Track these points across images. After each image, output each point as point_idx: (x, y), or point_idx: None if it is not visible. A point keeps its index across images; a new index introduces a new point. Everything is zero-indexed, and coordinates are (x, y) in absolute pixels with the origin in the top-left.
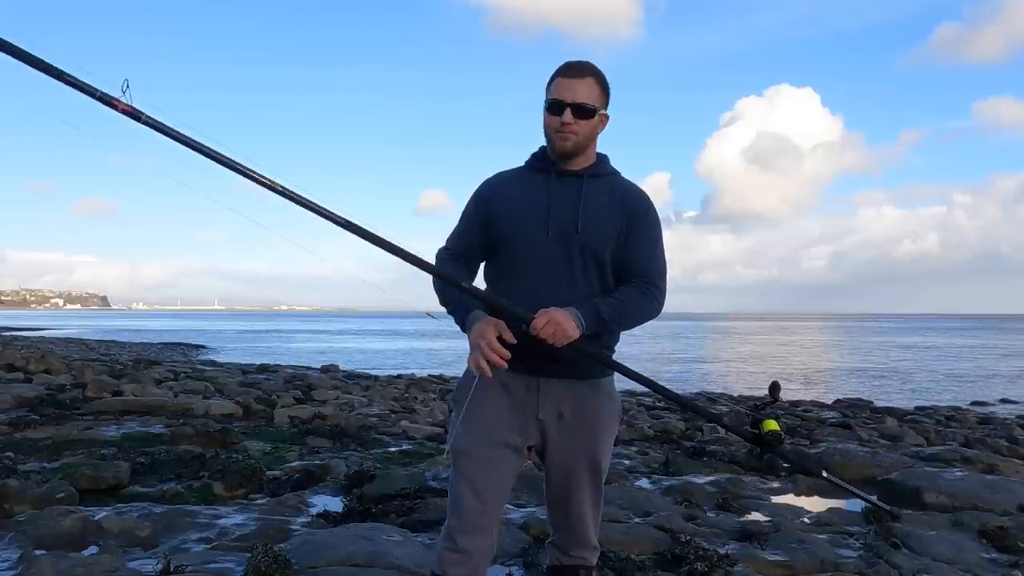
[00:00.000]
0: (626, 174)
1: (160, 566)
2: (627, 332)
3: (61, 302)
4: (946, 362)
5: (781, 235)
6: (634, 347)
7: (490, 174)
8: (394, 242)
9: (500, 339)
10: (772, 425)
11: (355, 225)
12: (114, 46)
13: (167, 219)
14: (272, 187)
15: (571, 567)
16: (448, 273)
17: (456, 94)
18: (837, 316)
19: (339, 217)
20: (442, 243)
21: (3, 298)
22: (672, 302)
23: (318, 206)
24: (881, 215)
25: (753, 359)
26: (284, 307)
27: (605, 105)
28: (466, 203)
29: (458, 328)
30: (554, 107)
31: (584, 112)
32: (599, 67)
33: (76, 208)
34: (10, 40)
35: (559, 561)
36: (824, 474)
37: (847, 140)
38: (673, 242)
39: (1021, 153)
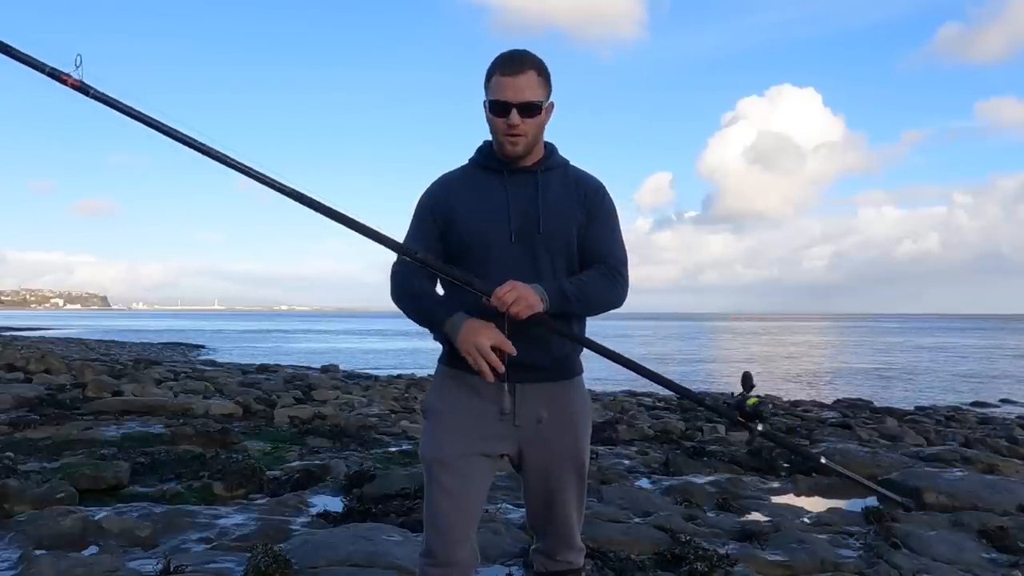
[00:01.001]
0: (629, 173)
1: (160, 566)
2: (626, 333)
3: (61, 302)
4: (969, 363)
5: (782, 235)
6: (644, 348)
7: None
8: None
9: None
10: (754, 400)
11: (266, 177)
12: (116, 47)
13: (166, 218)
14: (209, 152)
15: (559, 573)
16: (401, 245)
17: (458, 94)
18: (839, 316)
19: (269, 178)
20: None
21: (3, 298)
22: (672, 302)
23: (251, 169)
24: (882, 215)
25: (763, 359)
26: (284, 307)
27: (549, 95)
28: (416, 209)
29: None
30: (498, 108)
31: (531, 110)
32: (537, 55)
33: (76, 208)
34: None
35: (545, 568)
36: (823, 460)
37: (849, 140)
38: (674, 242)
39: (1022, 153)
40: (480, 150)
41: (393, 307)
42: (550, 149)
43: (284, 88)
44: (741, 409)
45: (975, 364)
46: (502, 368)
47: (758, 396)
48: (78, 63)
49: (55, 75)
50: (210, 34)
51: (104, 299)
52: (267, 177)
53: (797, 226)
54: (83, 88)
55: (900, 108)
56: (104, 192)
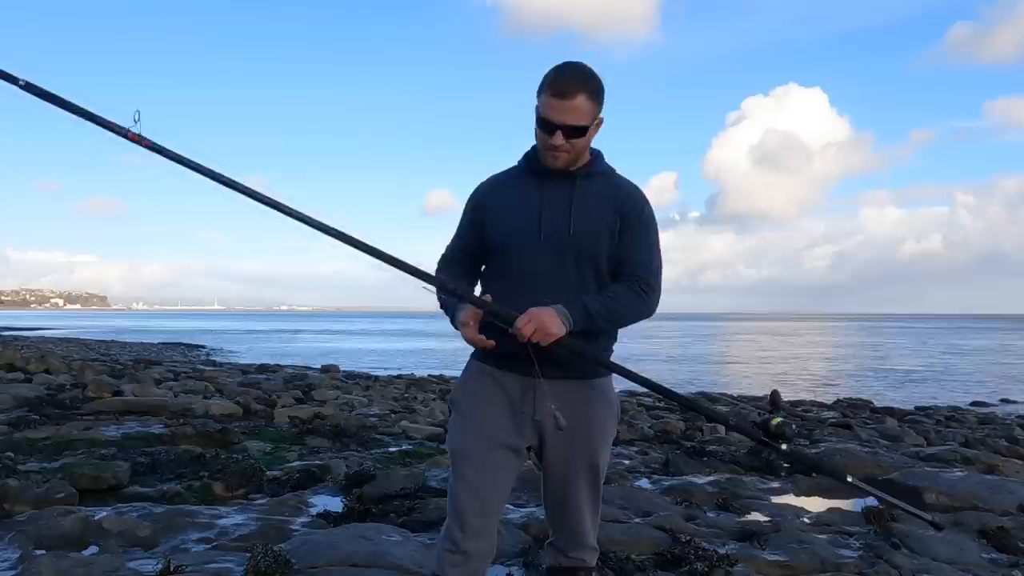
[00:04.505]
0: (634, 174)
1: (160, 566)
2: (628, 331)
3: (61, 302)
4: (970, 363)
5: (786, 235)
6: (679, 350)
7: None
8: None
9: (494, 335)
10: (778, 420)
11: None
12: (122, 48)
13: (167, 218)
14: (265, 201)
15: (570, 568)
16: (422, 272)
17: (469, 93)
18: (841, 316)
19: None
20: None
21: (3, 298)
22: (674, 302)
23: (306, 216)
24: (885, 215)
25: (782, 361)
26: (284, 307)
27: (598, 112)
28: (464, 208)
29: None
30: (544, 126)
31: (575, 133)
32: (591, 70)
33: (80, 208)
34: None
35: (558, 562)
36: (850, 479)
37: (855, 141)
38: (677, 242)
39: None
40: (526, 155)
41: (394, 307)
42: (595, 156)
43: (291, 88)
44: (766, 429)
45: (975, 364)
46: (489, 344)
47: (784, 416)
48: (136, 119)
49: (117, 130)
50: (214, 33)
51: (104, 299)
52: (316, 221)
53: (801, 226)
54: (140, 140)
55: (908, 108)
56: (108, 192)
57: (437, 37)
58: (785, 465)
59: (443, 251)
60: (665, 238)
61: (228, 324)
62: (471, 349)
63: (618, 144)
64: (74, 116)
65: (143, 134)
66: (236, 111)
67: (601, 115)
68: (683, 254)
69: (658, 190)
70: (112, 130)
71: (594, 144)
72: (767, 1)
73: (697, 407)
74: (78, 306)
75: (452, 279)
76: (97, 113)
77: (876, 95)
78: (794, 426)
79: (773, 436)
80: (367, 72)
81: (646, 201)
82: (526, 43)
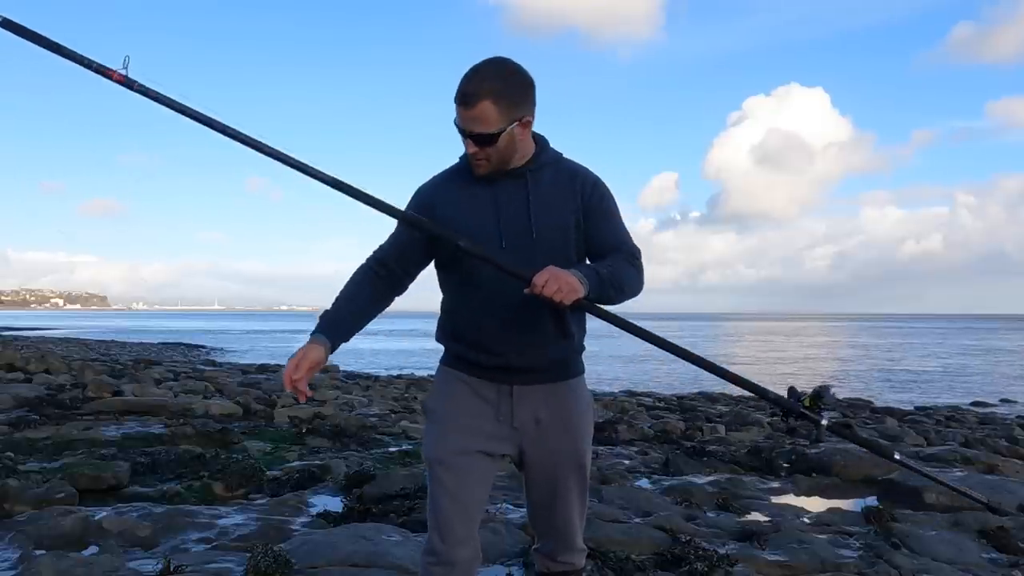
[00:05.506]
0: (635, 173)
1: (160, 566)
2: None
3: (61, 302)
4: (970, 363)
5: (787, 235)
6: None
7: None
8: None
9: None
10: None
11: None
12: (108, 45)
13: (167, 219)
14: (251, 143)
15: (560, 574)
16: (445, 233)
17: None
18: (843, 316)
19: (327, 175)
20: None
21: (3, 298)
22: (674, 302)
23: (300, 162)
24: (889, 215)
25: (793, 360)
26: (284, 307)
27: (517, 113)
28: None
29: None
30: (459, 131)
31: (485, 140)
32: (500, 71)
33: (82, 208)
34: (18, 21)
35: (547, 568)
36: (897, 456)
37: (858, 141)
38: (677, 242)
39: None
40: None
41: (393, 307)
42: (541, 145)
43: (289, 89)
44: (802, 404)
45: (975, 364)
46: (302, 397)
47: (814, 390)
48: (126, 63)
49: (102, 71)
50: (217, 35)
51: (104, 299)
52: (297, 160)
53: (802, 226)
54: (128, 83)
55: (911, 108)
56: (109, 192)
57: (438, 37)
58: (785, 465)
59: (374, 251)
60: (665, 238)
61: (228, 324)
62: None
63: (620, 144)
64: (59, 57)
65: (131, 76)
66: (236, 111)
67: (527, 116)
68: (684, 254)
69: (659, 190)
70: (96, 71)
71: (590, 141)
72: (770, 1)
73: (727, 375)
74: (78, 306)
75: (352, 288)
76: (82, 54)
77: (878, 95)
78: (833, 391)
79: (811, 408)
80: (365, 73)
81: (604, 185)
82: (529, 43)
